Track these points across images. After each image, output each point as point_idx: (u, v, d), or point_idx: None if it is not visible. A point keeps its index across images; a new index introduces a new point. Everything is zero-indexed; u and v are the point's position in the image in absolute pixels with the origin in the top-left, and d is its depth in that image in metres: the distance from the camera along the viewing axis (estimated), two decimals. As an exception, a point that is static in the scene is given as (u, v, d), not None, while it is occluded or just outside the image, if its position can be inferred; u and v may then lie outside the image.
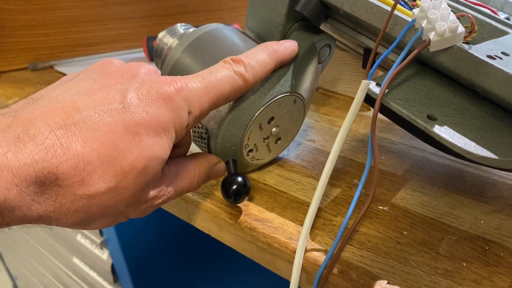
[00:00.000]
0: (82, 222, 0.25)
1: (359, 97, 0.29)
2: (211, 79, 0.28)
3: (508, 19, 0.37)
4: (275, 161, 0.40)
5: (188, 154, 0.32)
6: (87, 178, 0.23)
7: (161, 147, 0.26)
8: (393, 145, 0.41)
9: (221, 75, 0.28)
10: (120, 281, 0.68)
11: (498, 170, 0.37)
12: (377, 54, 0.34)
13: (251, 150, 0.36)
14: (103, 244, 0.65)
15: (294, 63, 0.34)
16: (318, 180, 0.31)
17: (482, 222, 0.32)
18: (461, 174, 0.37)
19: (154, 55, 0.40)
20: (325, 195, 0.36)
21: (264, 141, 0.36)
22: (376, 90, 0.29)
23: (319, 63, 0.38)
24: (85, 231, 0.68)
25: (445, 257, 0.29)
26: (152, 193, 0.27)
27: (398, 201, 0.34)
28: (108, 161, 0.23)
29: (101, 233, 0.64)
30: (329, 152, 0.41)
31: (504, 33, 0.32)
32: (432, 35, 0.27)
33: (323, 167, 0.31)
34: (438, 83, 0.30)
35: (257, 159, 0.37)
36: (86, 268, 0.75)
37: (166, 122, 0.26)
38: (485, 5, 0.37)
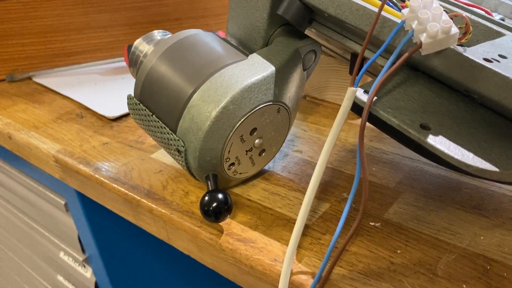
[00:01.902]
0: None
1: (345, 105, 0.27)
2: None
3: (503, 20, 0.35)
4: (260, 174, 0.37)
5: (163, 166, 0.29)
6: None
7: None
8: (384, 155, 0.39)
9: None
10: (105, 300, 0.65)
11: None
12: (364, 59, 0.32)
13: (232, 164, 0.33)
14: (86, 262, 0.63)
15: (277, 71, 0.32)
16: (305, 194, 0.28)
17: (482, 238, 0.29)
18: (458, 185, 0.35)
19: (130, 63, 0.38)
20: (313, 210, 0.33)
21: (246, 154, 0.34)
22: (364, 97, 0.27)
23: (304, 70, 0.36)
24: (67, 248, 0.65)
25: (443, 278, 0.27)
26: None
27: (391, 216, 0.32)
28: None
29: (83, 251, 0.61)
30: (316, 164, 0.38)
31: (500, 34, 0.30)
32: (423, 37, 0.25)
33: (311, 179, 0.28)
34: (431, 89, 0.28)
35: (240, 173, 0.35)
36: (70, 286, 0.72)
37: None
38: (478, 6, 0.35)
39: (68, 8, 0.63)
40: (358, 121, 0.45)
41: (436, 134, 0.25)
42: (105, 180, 0.39)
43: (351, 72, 0.36)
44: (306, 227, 0.31)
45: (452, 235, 0.30)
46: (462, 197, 0.33)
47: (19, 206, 0.69)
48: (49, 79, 0.61)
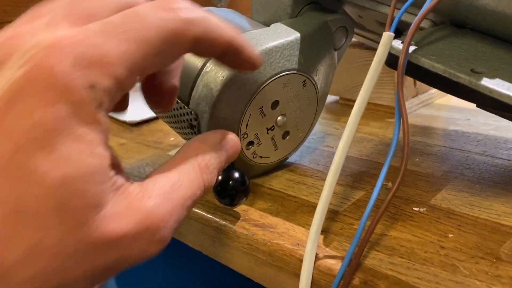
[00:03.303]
0: None
1: (380, 53, 0.23)
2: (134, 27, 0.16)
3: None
4: (284, 166, 0.33)
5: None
6: None
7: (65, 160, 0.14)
8: (428, 147, 0.34)
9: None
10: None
11: None
12: (406, 25, 0.28)
13: (251, 143, 0.29)
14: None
15: (302, 38, 0.29)
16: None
17: (556, 222, 0.24)
18: (519, 173, 0.29)
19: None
20: (346, 198, 0.28)
21: (268, 133, 0.30)
22: (401, 47, 0.23)
23: (334, 49, 0.33)
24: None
25: (509, 263, 0.21)
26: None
27: (438, 202, 0.27)
28: None
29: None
30: (350, 156, 0.34)
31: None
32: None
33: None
34: (481, 41, 0.24)
35: (260, 157, 0.30)
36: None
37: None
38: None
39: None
40: (397, 119, 0.40)
41: (491, 77, 0.21)
42: (116, 174, 0.35)
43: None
44: (337, 214, 0.27)
45: (517, 220, 0.24)
46: (526, 184, 0.28)
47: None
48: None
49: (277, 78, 0.28)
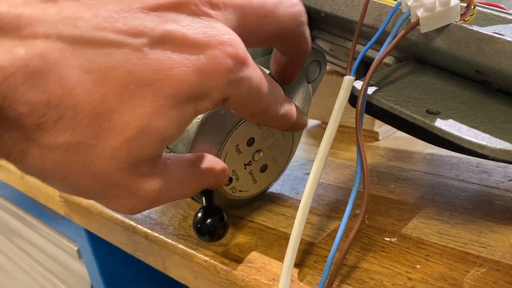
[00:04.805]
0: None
1: (342, 96, 0.24)
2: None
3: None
4: (265, 196, 0.34)
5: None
6: (47, 124, 0.16)
7: (172, 122, 0.18)
8: (404, 172, 0.35)
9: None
10: None
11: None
12: (369, 59, 0.30)
13: (230, 179, 0.30)
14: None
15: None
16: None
17: (519, 249, 0.25)
18: (488, 197, 0.30)
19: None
20: (321, 228, 0.29)
21: (245, 168, 0.31)
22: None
23: (308, 82, 0.34)
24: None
25: (471, 293, 0.22)
26: (140, 182, 0.19)
27: (409, 231, 0.28)
28: (85, 112, 0.16)
29: None
30: (329, 184, 0.35)
31: (516, 20, 0.27)
32: (420, 12, 0.22)
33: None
34: (440, 78, 0.25)
35: (240, 191, 0.32)
36: None
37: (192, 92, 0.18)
38: (496, 4, 0.33)
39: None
40: (375, 143, 0.41)
41: (445, 118, 0.22)
42: (104, 209, 0.37)
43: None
44: (311, 245, 0.28)
45: (482, 247, 0.25)
46: (494, 210, 0.29)
47: (34, 256, 0.68)
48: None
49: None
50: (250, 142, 0.30)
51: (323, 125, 0.47)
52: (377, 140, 0.42)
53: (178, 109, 0.18)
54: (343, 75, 0.43)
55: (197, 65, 0.17)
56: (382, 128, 0.42)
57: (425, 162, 0.36)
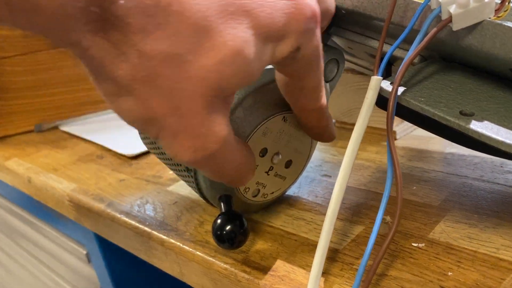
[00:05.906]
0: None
1: (369, 97, 0.23)
2: None
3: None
4: (283, 199, 0.33)
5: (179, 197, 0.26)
6: (150, 28, 0.17)
7: (257, 55, 0.19)
8: (425, 173, 0.34)
9: None
10: None
11: None
12: (395, 59, 0.29)
13: (257, 190, 0.30)
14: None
15: None
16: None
17: (555, 255, 0.24)
18: (517, 199, 0.29)
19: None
20: (344, 234, 0.28)
21: (269, 174, 0.30)
22: (390, 88, 0.23)
23: (326, 81, 0.33)
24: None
25: (509, 303, 0.21)
26: (214, 120, 0.19)
27: (437, 235, 0.27)
28: (189, 25, 0.17)
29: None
30: (348, 186, 0.34)
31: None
32: (453, 9, 0.21)
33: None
34: (471, 77, 0.24)
35: (272, 193, 0.31)
36: None
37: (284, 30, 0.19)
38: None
39: (95, 57, 0.64)
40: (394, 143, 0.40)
41: (480, 119, 0.21)
42: (117, 215, 0.36)
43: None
44: (336, 252, 0.27)
45: (516, 253, 0.24)
46: (524, 212, 0.28)
47: (42, 259, 0.67)
48: (75, 127, 0.61)
49: (255, 132, 0.28)
50: (263, 152, 0.29)
51: (338, 124, 0.46)
52: (395, 139, 0.41)
53: (262, 44, 0.19)
54: (359, 73, 0.42)
55: (287, 6, 0.19)
56: (400, 127, 0.41)
57: (446, 162, 0.35)
